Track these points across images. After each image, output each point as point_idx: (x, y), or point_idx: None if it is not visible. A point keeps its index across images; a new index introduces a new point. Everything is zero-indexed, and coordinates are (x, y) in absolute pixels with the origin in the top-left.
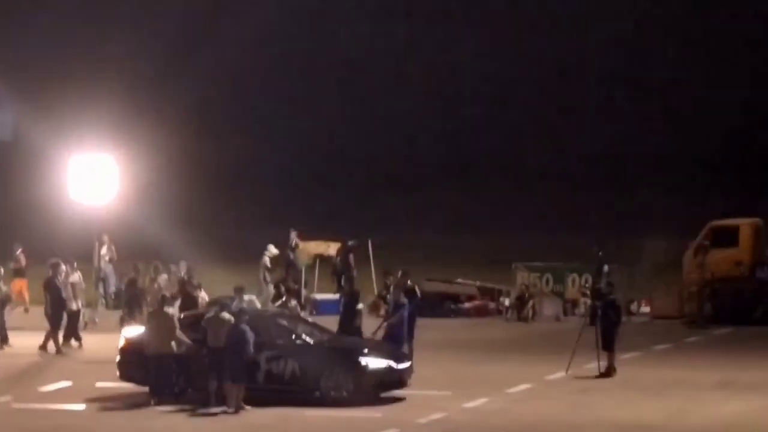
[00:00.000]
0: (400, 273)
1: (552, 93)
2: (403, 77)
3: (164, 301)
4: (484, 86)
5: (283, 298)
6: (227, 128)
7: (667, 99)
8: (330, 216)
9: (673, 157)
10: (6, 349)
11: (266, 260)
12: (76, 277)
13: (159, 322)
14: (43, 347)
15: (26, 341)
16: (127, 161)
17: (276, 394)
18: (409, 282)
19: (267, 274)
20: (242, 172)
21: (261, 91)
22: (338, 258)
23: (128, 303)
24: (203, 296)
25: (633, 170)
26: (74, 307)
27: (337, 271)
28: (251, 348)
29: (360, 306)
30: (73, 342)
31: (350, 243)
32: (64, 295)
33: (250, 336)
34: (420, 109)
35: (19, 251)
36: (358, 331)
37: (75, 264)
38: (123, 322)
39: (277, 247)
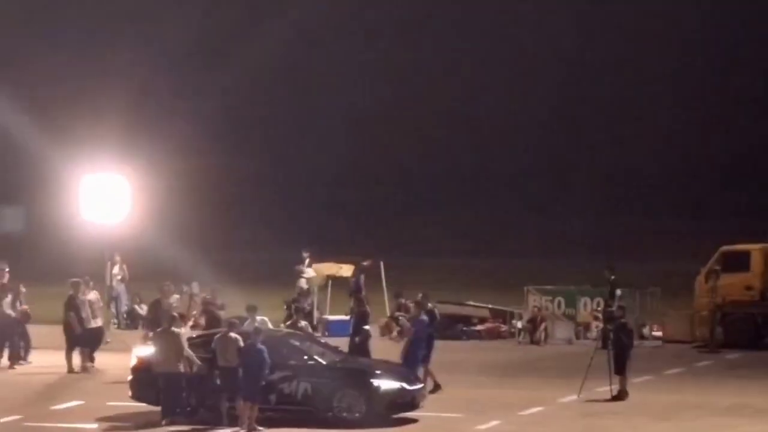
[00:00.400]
0: (420, 295)
1: (559, 118)
2: (407, 98)
3: (172, 320)
4: (493, 110)
5: (293, 318)
6: (240, 148)
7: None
8: (342, 237)
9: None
10: (17, 367)
11: (302, 282)
12: (93, 295)
13: (167, 341)
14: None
15: (38, 360)
16: (139, 180)
17: (288, 415)
18: (429, 305)
19: (302, 299)
20: (256, 192)
21: (273, 111)
22: (353, 279)
23: (151, 323)
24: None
25: (646, 192)
26: (93, 325)
27: (352, 292)
28: (267, 368)
29: (367, 327)
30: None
31: (363, 264)
32: (83, 314)
33: (267, 355)
34: (429, 132)
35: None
36: (359, 349)
37: (91, 283)
38: (147, 340)
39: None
